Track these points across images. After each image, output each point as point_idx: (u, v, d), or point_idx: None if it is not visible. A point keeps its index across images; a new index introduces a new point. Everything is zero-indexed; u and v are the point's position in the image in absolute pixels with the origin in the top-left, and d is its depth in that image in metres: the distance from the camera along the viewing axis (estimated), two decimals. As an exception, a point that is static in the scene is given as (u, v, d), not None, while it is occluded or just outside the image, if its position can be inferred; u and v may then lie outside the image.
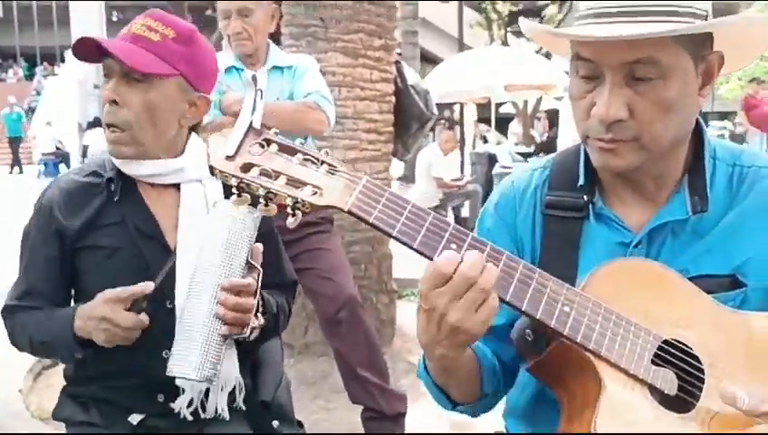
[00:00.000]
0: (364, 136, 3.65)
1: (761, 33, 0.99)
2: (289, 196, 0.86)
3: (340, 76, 3.53)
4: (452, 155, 8.14)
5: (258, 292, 1.31)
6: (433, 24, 19.50)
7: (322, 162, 0.89)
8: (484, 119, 14.71)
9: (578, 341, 0.92)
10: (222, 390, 1.39)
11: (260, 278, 1.31)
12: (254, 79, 1.01)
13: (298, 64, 2.57)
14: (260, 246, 1.32)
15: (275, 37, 2.86)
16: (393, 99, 3.65)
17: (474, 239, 0.91)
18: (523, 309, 0.92)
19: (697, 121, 1.08)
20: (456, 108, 10.36)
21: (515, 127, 13.30)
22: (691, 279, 1.01)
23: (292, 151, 0.89)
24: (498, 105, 12.85)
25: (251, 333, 1.33)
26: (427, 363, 1.05)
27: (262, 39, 2.50)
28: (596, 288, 0.96)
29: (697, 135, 1.08)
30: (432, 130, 7.32)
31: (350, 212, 0.87)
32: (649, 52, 0.92)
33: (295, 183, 0.87)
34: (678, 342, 0.95)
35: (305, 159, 0.89)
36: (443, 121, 8.08)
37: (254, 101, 0.91)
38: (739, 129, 21.20)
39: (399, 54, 3.80)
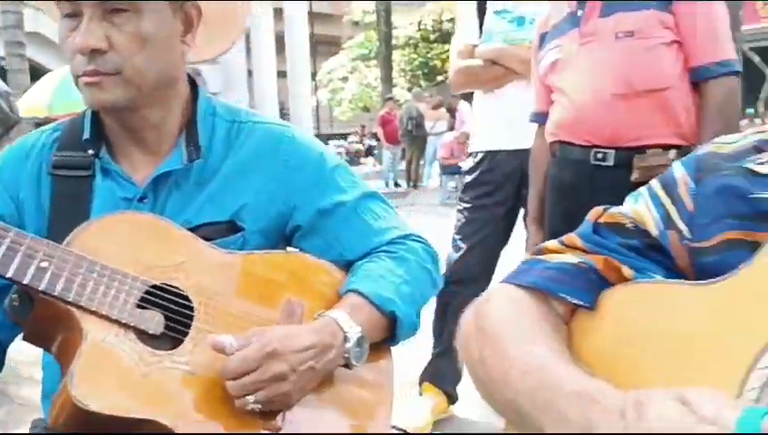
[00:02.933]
0: None
1: (234, 11, 1.10)
2: None
3: None
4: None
5: None
6: (41, 35, 17.84)
7: None
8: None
9: (55, 294, 0.89)
10: None
11: None
12: None
13: None
14: None
15: None
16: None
17: None
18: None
19: (194, 82, 1.14)
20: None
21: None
22: (195, 228, 1.05)
23: None
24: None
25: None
26: None
27: None
28: (83, 242, 0.94)
29: (195, 95, 1.13)
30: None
31: None
32: None
33: None
34: (169, 285, 0.97)
35: None
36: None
37: None
38: (355, 145, 23.97)
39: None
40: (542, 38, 2.07)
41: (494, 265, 2.67)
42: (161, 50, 1.02)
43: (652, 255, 0.71)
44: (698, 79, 1.83)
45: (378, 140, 15.46)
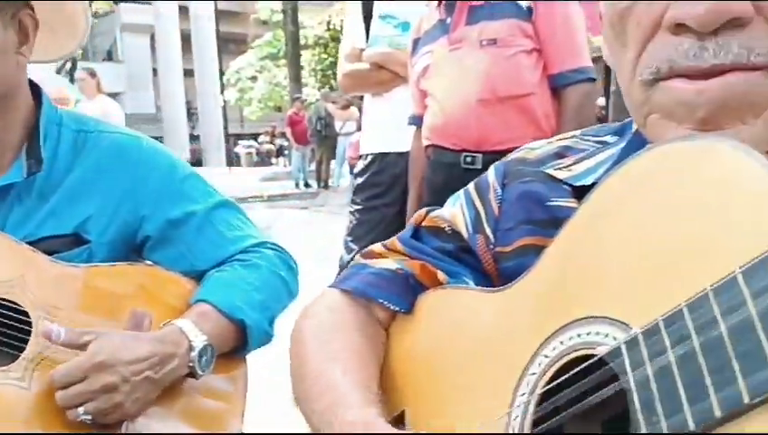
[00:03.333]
0: None
1: (75, 14, 1.07)
2: None
3: None
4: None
5: None
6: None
7: None
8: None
9: None
10: None
11: None
12: None
13: None
14: None
15: None
16: None
17: None
18: None
19: (40, 92, 1.10)
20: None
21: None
22: (37, 241, 1.02)
23: None
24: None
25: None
26: None
27: None
28: None
29: (39, 103, 1.09)
30: None
31: None
32: None
33: None
34: (5, 300, 0.94)
35: None
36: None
37: None
38: (265, 146, 23.72)
39: None
40: (416, 44, 2.14)
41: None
42: None
43: (465, 258, 0.74)
44: (557, 85, 1.92)
45: (288, 140, 15.33)
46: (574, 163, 0.68)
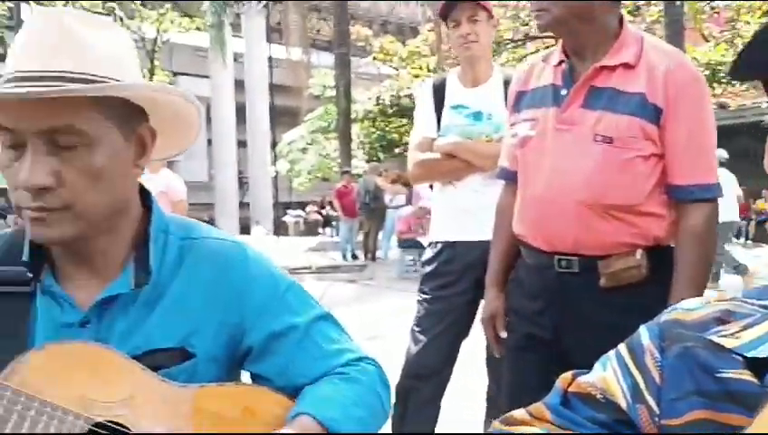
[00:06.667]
0: None
1: (188, 114, 1.07)
2: None
3: None
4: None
5: None
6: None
7: None
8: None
9: (-12, 436, 0.82)
10: None
11: None
12: None
13: None
14: None
15: None
16: None
17: None
18: None
19: (150, 197, 1.10)
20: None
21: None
22: (143, 354, 1.00)
23: None
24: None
25: None
26: None
27: None
28: (22, 376, 0.89)
29: (148, 210, 1.10)
30: None
31: None
32: (69, 120, 0.91)
33: None
34: (114, 423, 0.92)
35: None
36: None
37: None
38: (312, 216, 24.03)
39: None
40: (519, 97, 1.90)
41: (455, 358, 2.64)
42: (114, 180, 0.98)
43: (622, 430, 0.69)
44: (677, 198, 1.70)
45: (335, 210, 15.50)
46: (741, 330, 0.64)
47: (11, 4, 15.21)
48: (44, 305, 1.01)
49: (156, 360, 1.00)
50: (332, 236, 19.23)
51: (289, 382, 1.08)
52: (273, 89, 20.34)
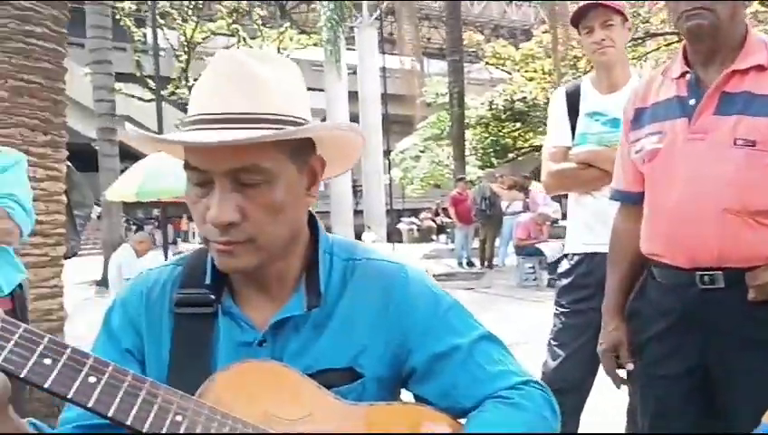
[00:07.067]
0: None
1: (353, 142, 1.11)
2: None
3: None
4: (148, 256, 7.77)
5: None
6: (132, 118, 18.91)
7: None
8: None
9: (190, 452, 0.87)
10: None
11: None
12: None
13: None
14: None
15: None
16: (64, 198, 3.38)
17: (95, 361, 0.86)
18: (128, 424, 0.85)
19: (315, 221, 1.15)
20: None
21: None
22: (315, 374, 1.03)
23: None
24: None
25: None
26: None
27: None
28: (215, 393, 0.94)
29: (314, 233, 1.14)
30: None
31: None
32: (254, 160, 0.96)
33: None
34: (299, 440, 0.95)
35: None
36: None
37: None
38: (426, 223, 24.11)
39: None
40: (639, 114, 1.83)
41: (595, 372, 2.55)
42: (291, 212, 1.03)
43: None
44: None
45: (450, 217, 15.44)
46: None
47: (147, 30, 16.36)
48: (225, 325, 1.08)
49: (328, 379, 1.03)
50: (447, 244, 19.20)
51: (451, 404, 1.08)
52: (387, 98, 20.59)
